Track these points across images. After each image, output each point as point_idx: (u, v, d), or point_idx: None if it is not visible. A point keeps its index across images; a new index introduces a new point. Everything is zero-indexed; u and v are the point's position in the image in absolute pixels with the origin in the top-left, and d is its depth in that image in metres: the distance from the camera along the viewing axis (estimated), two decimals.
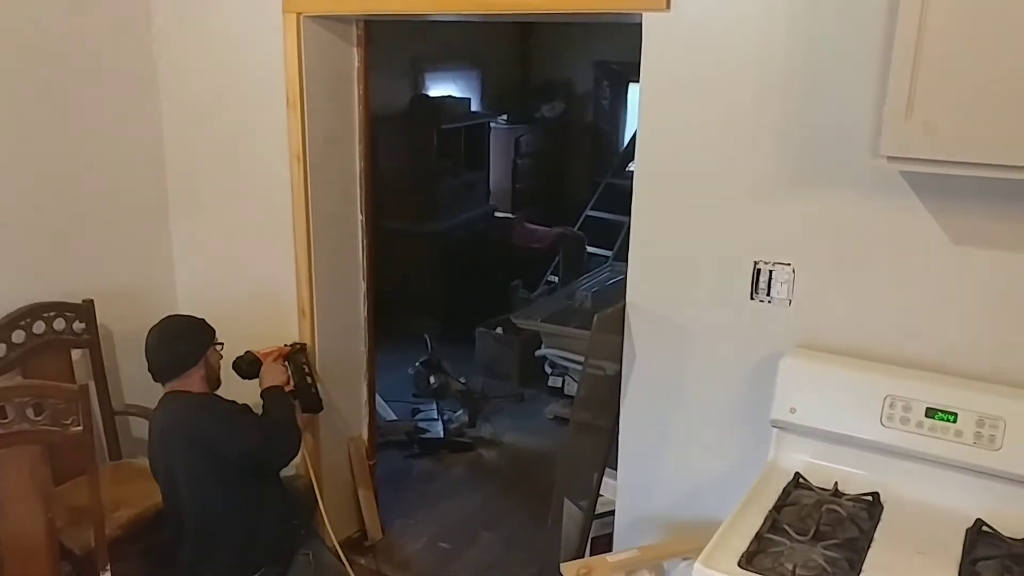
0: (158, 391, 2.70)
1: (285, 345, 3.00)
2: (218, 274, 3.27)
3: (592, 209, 6.65)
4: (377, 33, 3.12)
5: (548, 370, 4.93)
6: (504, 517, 3.68)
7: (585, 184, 7.18)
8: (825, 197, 2.08)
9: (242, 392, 2.79)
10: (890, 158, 1.73)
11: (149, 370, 2.61)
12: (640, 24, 2.22)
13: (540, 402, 4.85)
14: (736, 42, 2.11)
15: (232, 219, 3.18)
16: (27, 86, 2.78)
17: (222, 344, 2.71)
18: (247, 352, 2.88)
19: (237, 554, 2.63)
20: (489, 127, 6.46)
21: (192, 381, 2.61)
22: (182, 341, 2.63)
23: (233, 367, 2.84)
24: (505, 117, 6.83)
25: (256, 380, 2.83)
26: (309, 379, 2.98)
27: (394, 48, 5.53)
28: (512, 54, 7.35)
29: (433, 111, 5.83)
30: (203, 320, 2.70)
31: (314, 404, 3.00)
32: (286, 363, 2.93)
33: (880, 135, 1.72)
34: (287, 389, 2.86)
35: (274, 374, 2.84)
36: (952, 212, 1.93)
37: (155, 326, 2.65)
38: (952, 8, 1.60)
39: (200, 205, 3.25)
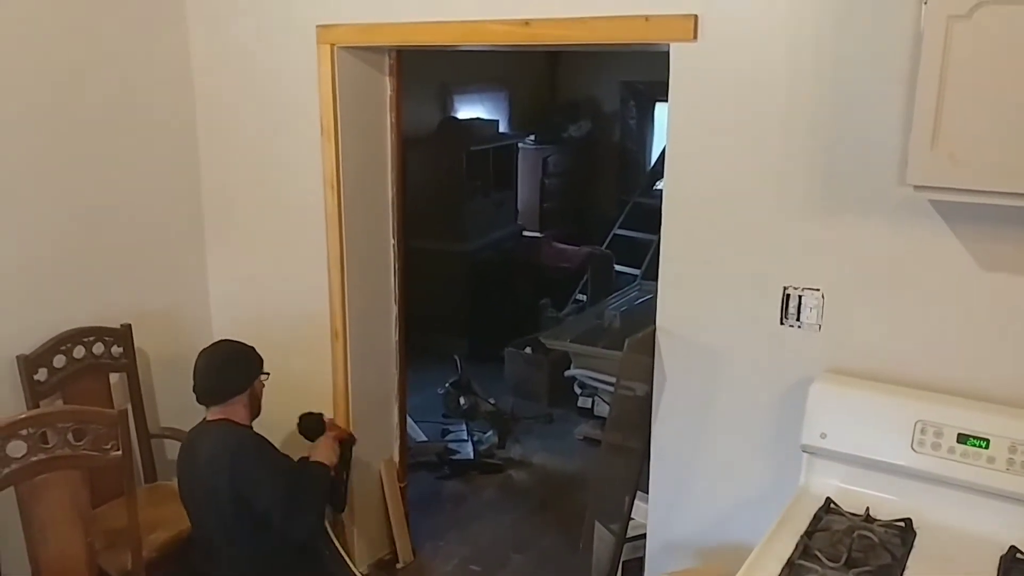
0: (193, 414, 2.73)
1: (346, 430, 2.98)
2: (252, 299, 3.33)
3: (620, 228, 6.67)
4: (407, 57, 3.18)
5: (577, 390, 4.94)
6: (534, 539, 3.69)
7: (612, 203, 7.20)
8: (854, 223, 2.09)
9: (277, 419, 2.82)
10: (916, 187, 1.75)
11: (195, 391, 2.62)
12: (667, 47, 2.26)
13: (570, 423, 4.85)
14: (763, 72, 2.13)
15: (267, 245, 3.24)
16: (70, 121, 2.86)
17: (268, 374, 2.72)
18: (319, 414, 2.88)
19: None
20: (517, 148, 6.51)
21: (236, 408, 2.62)
22: (232, 367, 2.65)
23: (299, 421, 2.84)
24: (533, 138, 6.88)
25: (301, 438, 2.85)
26: (346, 475, 2.95)
27: (423, 72, 5.60)
28: (539, 75, 7.41)
29: (462, 133, 5.90)
30: (253, 348, 2.70)
31: (340, 501, 2.96)
32: (339, 446, 2.88)
33: (906, 164, 1.74)
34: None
35: (328, 452, 2.78)
36: (980, 238, 1.94)
37: (206, 349, 2.67)
38: (974, 41, 1.63)
39: (235, 231, 3.31)
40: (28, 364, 2.75)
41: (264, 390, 2.74)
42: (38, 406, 2.72)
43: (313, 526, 2.66)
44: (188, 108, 3.22)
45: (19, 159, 2.73)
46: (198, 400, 2.64)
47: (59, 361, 2.86)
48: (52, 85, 2.80)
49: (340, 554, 2.90)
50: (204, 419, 2.67)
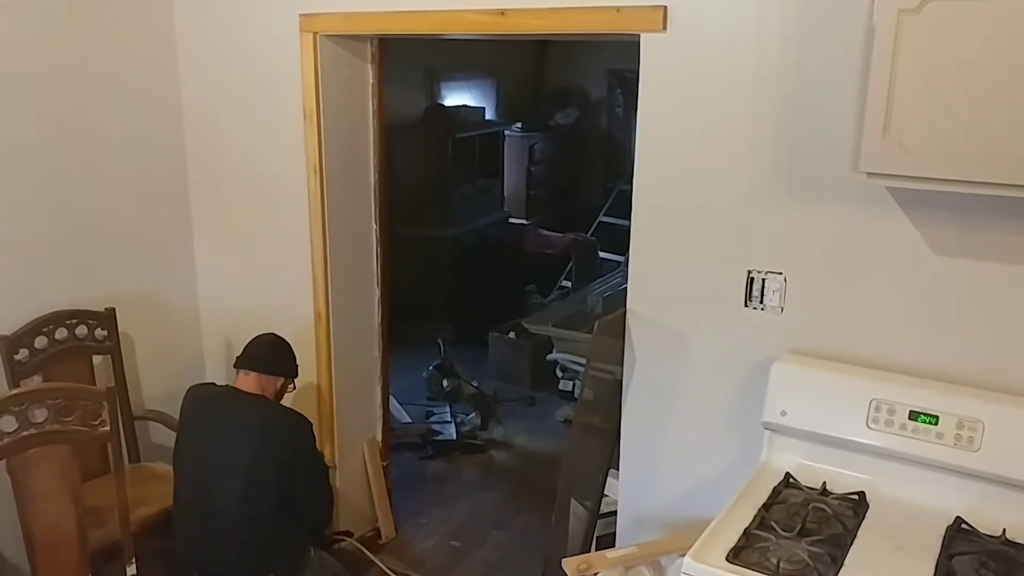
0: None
1: None
2: (238, 282, 3.40)
3: (605, 215, 6.76)
4: (392, 44, 3.24)
5: (559, 374, 5.04)
6: (514, 517, 3.79)
7: (598, 190, 7.28)
8: (815, 209, 2.17)
9: None
10: (869, 174, 1.83)
11: (244, 354, 2.77)
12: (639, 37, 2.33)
13: (551, 405, 4.95)
14: (730, 62, 2.21)
15: (251, 229, 3.30)
16: (54, 101, 2.91)
17: (295, 387, 2.91)
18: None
19: (254, 555, 2.70)
20: (503, 135, 6.58)
21: (269, 389, 2.77)
22: (287, 353, 2.86)
23: None
24: (519, 125, 6.94)
25: None
26: None
27: (409, 59, 5.66)
28: (526, 63, 7.46)
29: (448, 120, 5.96)
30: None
31: None
32: None
33: (859, 152, 1.82)
34: None
35: None
36: (933, 224, 2.03)
37: (272, 332, 2.89)
38: (923, 34, 1.70)
39: (221, 216, 3.38)
40: (8, 344, 2.81)
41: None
42: (18, 385, 2.77)
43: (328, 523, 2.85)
44: (174, 92, 3.28)
45: (3, 142, 2.78)
46: (240, 362, 2.77)
47: (40, 342, 2.91)
48: (37, 69, 2.84)
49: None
50: (232, 388, 2.75)
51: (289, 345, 2.88)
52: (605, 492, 2.87)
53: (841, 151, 2.09)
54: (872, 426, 2.05)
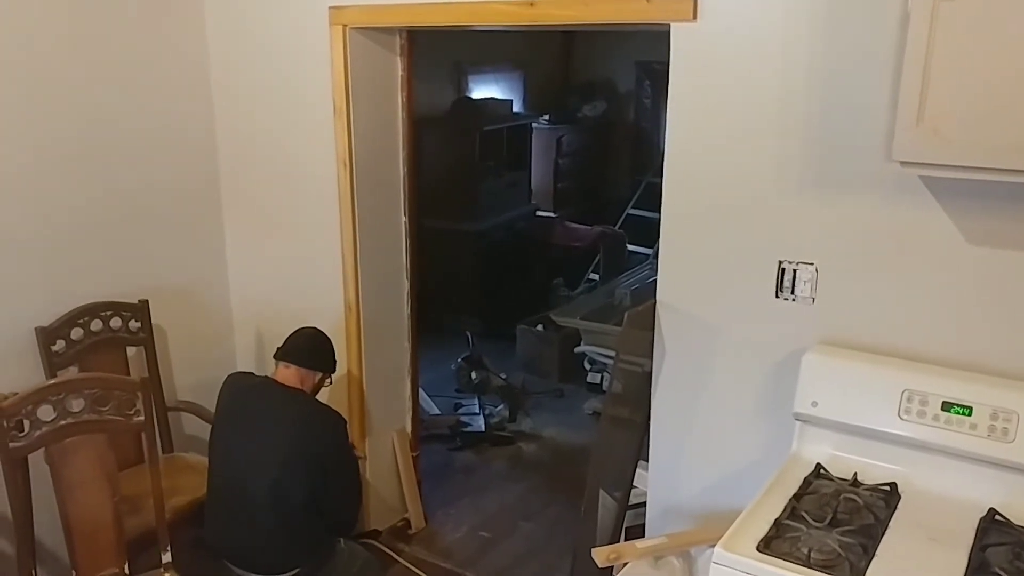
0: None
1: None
2: (269, 275, 3.43)
3: (633, 208, 6.74)
4: (421, 37, 3.25)
5: (587, 366, 5.03)
6: (543, 508, 3.80)
7: (626, 183, 7.25)
8: (847, 199, 2.16)
9: None
10: (902, 163, 1.81)
11: (284, 346, 2.80)
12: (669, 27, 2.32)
13: (579, 398, 4.95)
14: (761, 51, 2.20)
15: (282, 222, 3.34)
16: (87, 95, 2.95)
17: (332, 383, 2.94)
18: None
19: (283, 546, 2.72)
20: (531, 128, 6.57)
21: (307, 383, 2.80)
22: (328, 348, 2.90)
23: None
24: (547, 117, 6.93)
25: None
26: None
27: (437, 52, 5.68)
28: (554, 55, 7.45)
29: (476, 113, 5.96)
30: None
31: None
32: None
33: (893, 141, 1.80)
34: None
35: None
36: (967, 213, 2.00)
37: (313, 326, 2.92)
38: (959, 21, 1.68)
39: (252, 210, 3.41)
40: (46, 336, 2.86)
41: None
42: (55, 376, 2.82)
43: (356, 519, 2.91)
44: (204, 87, 3.31)
45: (41, 135, 2.83)
46: (280, 353, 2.79)
47: (76, 334, 2.96)
48: (73, 64, 2.89)
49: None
50: (271, 380, 2.78)
51: (329, 340, 2.91)
52: (634, 483, 2.87)
53: (873, 140, 2.07)
54: (904, 417, 2.03)
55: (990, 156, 1.71)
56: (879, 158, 2.06)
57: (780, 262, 2.29)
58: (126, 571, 2.47)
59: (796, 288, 2.28)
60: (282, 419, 2.69)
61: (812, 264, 2.25)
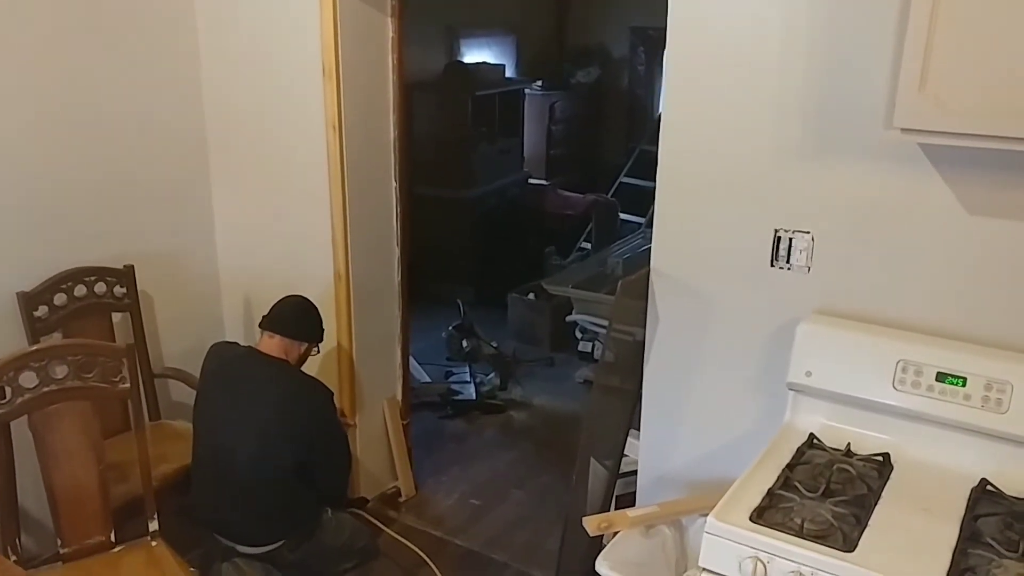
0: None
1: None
2: (257, 241, 3.38)
3: (626, 176, 6.68)
4: (412, 0, 3.18)
5: (578, 335, 5.02)
6: (533, 476, 3.80)
7: (620, 150, 7.20)
8: (845, 167, 2.12)
9: None
10: (903, 130, 1.77)
11: (269, 315, 2.78)
12: None
13: (570, 366, 4.94)
14: (759, 15, 2.14)
15: (271, 186, 3.28)
16: (72, 55, 2.88)
17: (319, 351, 2.93)
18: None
19: (268, 518, 2.72)
20: (524, 93, 6.50)
21: (292, 354, 2.77)
22: (314, 317, 2.86)
23: None
24: (540, 83, 6.85)
25: None
26: None
27: (429, 14, 5.58)
28: (547, 20, 7.36)
29: (467, 78, 5.89)
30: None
31: None
32: None
33: (894, 107, 1.77)
34: None
35: None
36: (967, 183, 1.97)
37: (295, 295, 2.88)
38: None
39: (240, 173, 3.36)
40: (28, 301, 2.81)
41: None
42: (38, 342, 2.78)
43: (345, 490, 2.89)
44: (191, 49, 3.24)
45: (25, 100, 2.77)
46: (265, 323, 2.77)
47: (60, 299, 2.91)
48: (56, 29, 2.82)
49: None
50: (255, 350, 2.75)
51: (316, 309, 2.87)
52: (625, 452, 2.86)
53: (873, 107, 2.03)
54: (898, 387, 2.02)
55: (993, 124, 1.67)
56: (879, 126, 2.02)
57: (776, 230, 2.26)
58: (112, 539, 2.45)
59: (792, 257, 2.25)
60: (263, 391, 2.67)
61: (808, 233, 2.22)
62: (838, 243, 2.18)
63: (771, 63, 2.16)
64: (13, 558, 2.32)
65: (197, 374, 2.91)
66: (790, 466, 1.98)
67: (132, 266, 3.10)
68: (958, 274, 2.03)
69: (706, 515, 1.81)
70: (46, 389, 2.30)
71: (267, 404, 2.64)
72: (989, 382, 1.91)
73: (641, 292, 2.54)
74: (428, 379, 4.65)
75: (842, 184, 2.14)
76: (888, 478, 1.94)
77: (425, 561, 3.15)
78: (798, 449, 2.05)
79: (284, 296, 2.86)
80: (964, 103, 1.69)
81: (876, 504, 1.83)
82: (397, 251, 3.38)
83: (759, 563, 1.70)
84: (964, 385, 1.94)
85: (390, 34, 3.12)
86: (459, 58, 6.20)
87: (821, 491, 1.85)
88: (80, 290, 2.97)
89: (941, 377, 1.97)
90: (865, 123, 2.06)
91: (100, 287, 3.03)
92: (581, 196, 6.40)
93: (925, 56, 1.70)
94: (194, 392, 2.88)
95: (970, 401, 1.93)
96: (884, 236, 2.11)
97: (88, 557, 2.41)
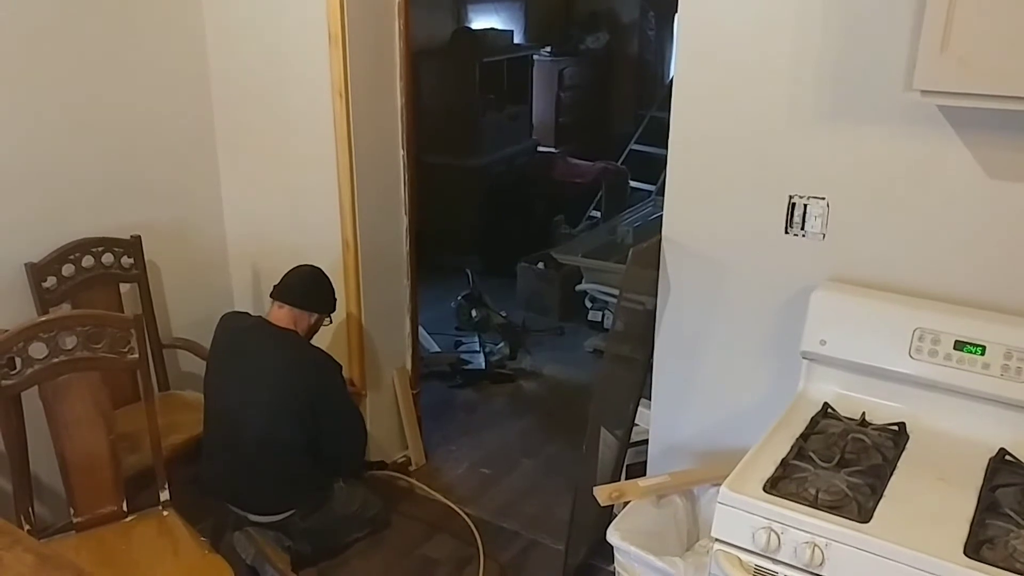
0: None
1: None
2: (265, 210, 3.35)
3: (636, 143, 6.62)
4: None
5: (588, 304, 4.99)
6: (543, 445, 3.79)
7: (629, 117, 7.12)
8: (862, 131, 2.08)
9: None
10: (924, 92, 1.73)
11: (280, 284, 2.77)
12: None
13: (580, 336, 4.91)
14: None
15: (277, 155, 3.25)
16: (80, 31, 2.85)
17: (331, 322, 2.92)
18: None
19: (277, 488, 2.73)
20: (532, 60, 6.41)
21: (302, 324, 2.76)
22: (325, 288, 2.85)
23: None
24: (548, 49, 6.76)
25: None
26: None
27: None
28: None
29: (475, 44, 5.81)
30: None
31: None
32: None
33: (915, 69, 1.72)
34: None
35: None
36: (989, 146, 1.93)
37: (311, 265, 2.88)
38: None
39: (246, 142, 3.32)
40: (36, 272, 2.80)
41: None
42: (47, 313, 2.77)
43: (359, 462, 2.87)
44: (197, 16, 3.20)
45: (30, 69, 2.73)
46: (276, 293, 2.77)
47: (68, 270, 2.90)
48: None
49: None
50: (264, 321, 2.74)
51: (327, 280, 2.85)
52: (636, 421, 2.85)
53: (891, 69, 1.98)
54: (915, 356, 1.99)
55: (1018, 84, 1.63)
56: (897, 88, 1.98)
57: (791, 196, 2.22)
58: (124, 509, 2.45)
59: (807, 223, 2.22)
60: (271, 362, 2.66)
61: (824, 199, 2.18)
62: (854, 209, 2.14)
63: (787, 24, 2.11)
64: (27, 527, 2.33)
65: (206, 344, 2.90)
66: (804, 436, 1.95)
67: (139, 236, 3.08)
68: (978, 240, 2.00)
69: (718, 485, 1.79)
70: (56, 360, 2.28)
71: (272, 375, 2.64)
72: (1009, 350, 1.87)
73: (652, 261, 2.51)
74: (438, 349, 4.64)
75: (859, 149, 2.09)
76: (904, 448, 1.91)
77: (436, 529, 3.15)
78: (812, 419, 2.03)
79: (296, 266, 2.83)
80: (988, 63, 1.64)
81: (892, 474, 1.81)
82: (405, 220, 3.35)
83: (773, 534, 1.69)
84: (983, 354, 1.91)
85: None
86: (467, 24, 6.12)
87: (836, 461, 1.83)
88: (88, 261, 2.96)
89: (959, 345, 1.93)
90: (883, 86, 2.01)
91: (108, 258, 3.02)
92: (590, 164, 6.34)
93: (948, 15, 1.65)
94: (203, 363, 2.88)
95: (989, 370, 1.90)
96: (901, 202, 2.07)
97: (100, 526, 2.41)
